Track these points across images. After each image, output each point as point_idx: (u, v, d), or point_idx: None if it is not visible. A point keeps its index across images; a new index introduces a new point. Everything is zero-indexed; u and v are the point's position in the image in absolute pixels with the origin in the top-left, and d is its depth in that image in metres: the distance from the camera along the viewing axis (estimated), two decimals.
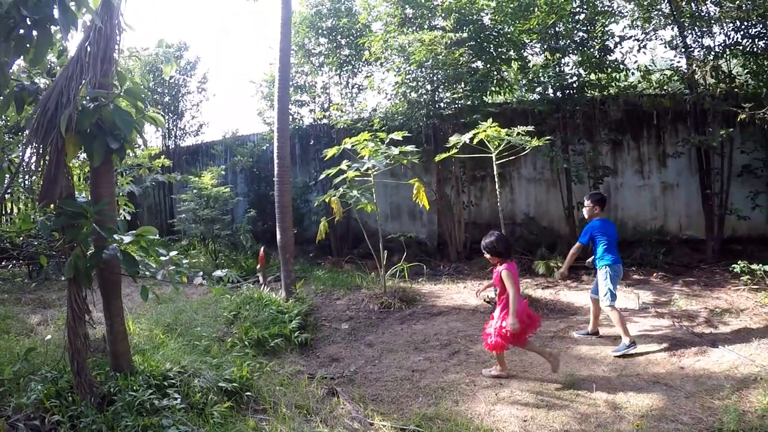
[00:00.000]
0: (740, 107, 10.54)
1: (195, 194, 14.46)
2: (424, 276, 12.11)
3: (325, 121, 16.07)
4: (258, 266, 11.81)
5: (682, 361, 6.73)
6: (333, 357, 7.69)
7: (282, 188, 10.07)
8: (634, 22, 12.81)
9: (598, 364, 6.80)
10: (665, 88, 13.09)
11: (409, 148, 9.75)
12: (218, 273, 5.88)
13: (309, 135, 16.78)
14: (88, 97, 4.74)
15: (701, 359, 6.75)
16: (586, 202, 7.73)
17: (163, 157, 14.00)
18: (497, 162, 9.36)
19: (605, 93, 13.14)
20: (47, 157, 4.75)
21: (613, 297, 7.28)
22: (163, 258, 4.96)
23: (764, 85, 11.65)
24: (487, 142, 9.20)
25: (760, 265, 9.05)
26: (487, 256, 6.52)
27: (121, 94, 4.84)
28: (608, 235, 7.43)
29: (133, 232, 4.68)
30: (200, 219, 14.29)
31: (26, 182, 8.66)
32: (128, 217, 9.18)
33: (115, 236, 4.63)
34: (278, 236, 10.12)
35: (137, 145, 6.79)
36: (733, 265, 9.52)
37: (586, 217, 7.80)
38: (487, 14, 13.54)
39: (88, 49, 4.88)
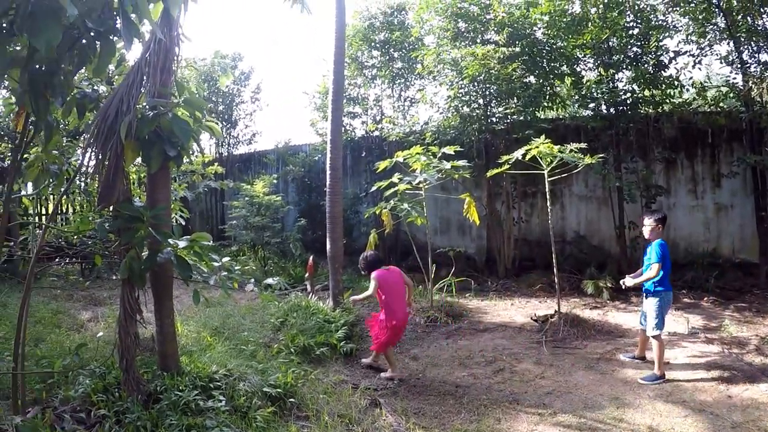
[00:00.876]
0: None
1: (246, 201, 14.70)
2: (471, 291, 12.09)
3: (376, 133, 16.15)
4: (306, 274, 11.91)
5: (730, 390, 6.57)
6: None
7: (333, 199, 10.18)
8: (689, 37, 12.56)
9: (643, 389, 6.71)
10: (720, 105, 12.76)
11: (461, 162, 9.77)
12: (270, 281, 5.98)
13: (361, 147, 16.84)
14: (147, 106, 4.86)
15: (750, 388, 6.59)
16: (649, 221, 7.29)
17: (216, 164, 14.22)
18: (549, 179, 9.28)
19: (659, 110, 12.84)
20: (106, 162, 4.88)
21: (662, 326, 7.07)
22: (215, 264, 5.04)
23: None
24: (539, 159, 9.13)
25: None
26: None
27: (181, 104, 4.94)
28: (668, 260, 7.18)
29: (188, 237, 4.78)
30: (251, 226, 14.53)
31: (83, 185, 8.87)
32: (183, 222, 9.33)
33: (170, 241, 4.73)
34: (328, 246, 10.23)
35: (194, 153, 6.91)
36: None
37: (647, 237, 7.38)
38: (540, 29, 13.45)
39: (148, 59, 5.03)
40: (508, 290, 12.61)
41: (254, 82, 20.80)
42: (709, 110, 12.92)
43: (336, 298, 9.96)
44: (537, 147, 8.87)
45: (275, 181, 16.34)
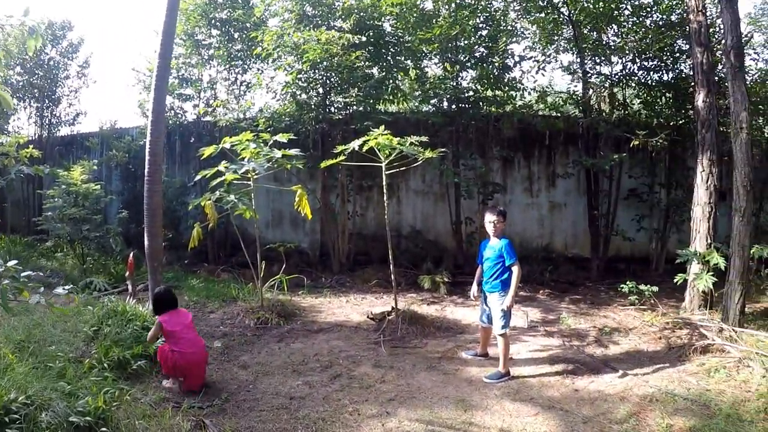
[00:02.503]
0: (633, 133, 10.91)
1: (63, 190, 13.05)
2: (305, 288, 11.60)
3: (209, 118, 15.05)
4: (126, 273, 10.85)
5: (576, 383, 6.53)
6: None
7: (152, 188, 9.02)
8: (536, 44, 13.15)
9: (490, 388, 6.44)
10: (560, 110, 13.53)
11: (293, 151, 9.13)
12: (59, 291, 4.99)
13: (191, 132, 15.71)
14: None
15: (595, 380, 6.61)
16: (496, 218, 6.93)
17: (31, 147, 12.96)
18: (387, 172, 8.88)
19: (501, 110, 13.16)
20: None
21: (509, 323, 6.84)
22: None
23: (656, 115, 12.45)
24: (377, 151, 8.71)
25: (648, 286, 8.99)
26: None
27: None
28: None
29: None
30: (67, 218, 12.99)
31: None
32: None
33: None
34: (146, 242, 9.06)
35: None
36: (621, 286, 9.37)
37: (492, 233, 7.00)
38: (388, 21, 13.20)
39: None
40: (343, 286, 12.26)
41: (83, 56, 19.28)
42: (548, 114, 13.58)
43: None
44: (375, 138, 8.42)
45: (96, 167, 14.68)
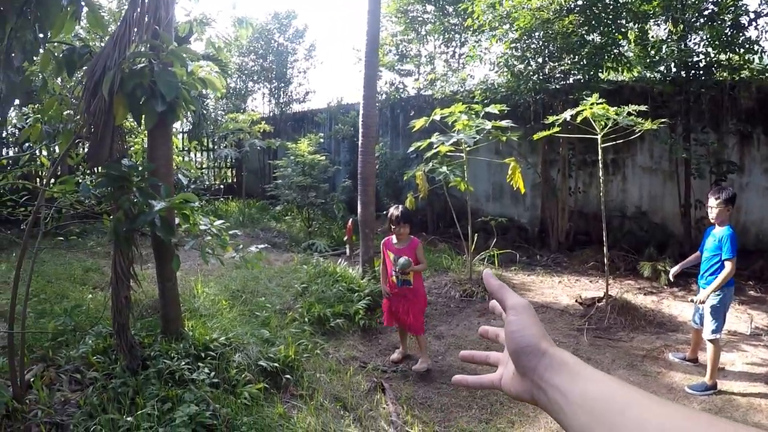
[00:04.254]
0: None
1: (291, 161, 14.35)
2: (518, 264, 11.32)
3: (429, 92, 15.28)
4: (345, 237, 11.39)
5: None
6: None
7: (366, 159, 9.45)
8: None
9: (690, 400, 5.74)
10: None
11: (505, 123, 8.90)
12: (252, 249, 5.32)
13: (412, 106, 16.15)
14: (135, 60, 4.58)
15: None
16: (716, 202, 6.05)
17: (263, 122, 14.80)
18: (603, 145, 8.26)
19: (736, 76, 11.48)
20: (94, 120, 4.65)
21: (722, 328, 6.02)
22: (202, 227, 4.79)
23: None
24: (592, 122, 8.19)
25: None
26: (396, 227, 6.34)
27: (169, 55, 4.54)
28: None
29: (169, 199, 4.46)
30: (294, 185, 14.09)
31: None
32: (185, 182, 8.78)
33: (151, 202, 4.44)
34: (359, 210, 9.59)
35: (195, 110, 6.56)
36: None
37: (713, 220, 6.16)
38: None
39: (140, 11, 4.77)
40: (558, 266, 11.74)
41: (309, 40, 21.40)
42: None
43: (365, 265, 9.25)
44: (590, 107, 7.92)
45: (322, 140, 15.81)
